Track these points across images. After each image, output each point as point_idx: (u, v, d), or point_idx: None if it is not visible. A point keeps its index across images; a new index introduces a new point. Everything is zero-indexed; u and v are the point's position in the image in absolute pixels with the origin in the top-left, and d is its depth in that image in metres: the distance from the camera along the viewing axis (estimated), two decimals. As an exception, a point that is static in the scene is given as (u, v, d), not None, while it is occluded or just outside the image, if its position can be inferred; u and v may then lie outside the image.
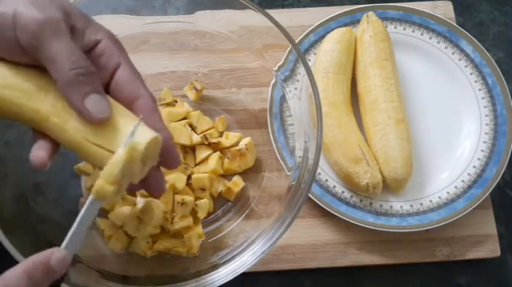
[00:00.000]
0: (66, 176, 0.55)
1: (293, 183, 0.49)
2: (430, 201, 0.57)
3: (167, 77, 0.61)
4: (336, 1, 0.69)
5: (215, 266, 0.47)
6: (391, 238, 0.56)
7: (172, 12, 0.57)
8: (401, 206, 0.56)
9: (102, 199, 0.33)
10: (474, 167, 0.58)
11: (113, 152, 0.33)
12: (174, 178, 0.53)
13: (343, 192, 0.57)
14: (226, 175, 0.57)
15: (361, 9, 0.63)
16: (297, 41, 0.61)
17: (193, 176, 0.54)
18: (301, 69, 0.48)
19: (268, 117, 0.58)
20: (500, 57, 0.67)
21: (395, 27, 0.63)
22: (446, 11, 0.66)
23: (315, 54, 0.62)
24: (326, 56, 0.58)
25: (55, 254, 0.32)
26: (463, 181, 0.58)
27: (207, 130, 0.57)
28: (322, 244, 0.56)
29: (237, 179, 0.56)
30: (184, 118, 0.58)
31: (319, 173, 0.57)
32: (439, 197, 0.57)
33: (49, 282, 0.32)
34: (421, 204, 0.57)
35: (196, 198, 0.54)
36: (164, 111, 0.57)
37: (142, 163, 0.35)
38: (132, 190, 0.41)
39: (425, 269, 0.57)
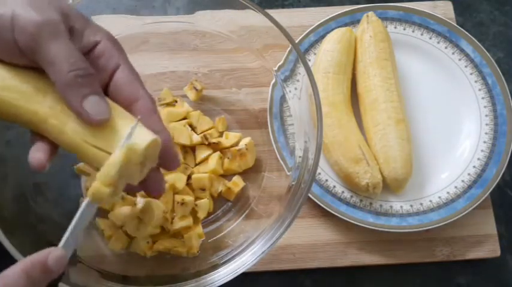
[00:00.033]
0: (66, 176, 0.55)
1: (293, 183, 0.49)
2: (430, 201, 0.57)
3: (167, 77, 0.61)
4: (336, 1, 0.69)
5: (215, 266, 0.47)
6: (391, 238, 0.56)
7: (172, 12, 0.57)
8: (401, 206, 0.56)
9: (98, 201, 0.33)
10: (474, 167, 0.58)
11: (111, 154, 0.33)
12: (174, 178, 0.53)
13: (343, 192, 0.57)
14: (226, 175, 0.57)
15: (361, 9, 0.63)
16: (297, 41, 0.61)
17: (193, 176, 0.54)
18: (301, 69, 0.48)
19: (268, 117, 0.58)
20: (500, 57, 0.67)
21: (395, 27, 0.63)
22: (446, 11, 0.66)
23: (315, 54, 0.62)
24: (326, 56, 0.58)
25: (52, 254, 0.32)
26: (463, 181, 0.58)
27: (207, 130, 0.57)
28: (322, 244, 0.56)
29: (237, 179, 0.56)
30: (184, 118, 0.58)
31: (319, 173, 0.57)
32: (439, 197, 0.57)
33: (47, 281, 0.32)
34: (421, 204, 0.57)
35: (196, 198, 0.54)
36: (164, 111, 0.57)
37: (142, 164, 0.35)
38: (131, 191, 0.41)
39: (425, 269, 0.57)
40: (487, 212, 0.58)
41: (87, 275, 0.47)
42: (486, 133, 0.59)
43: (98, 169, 0.33)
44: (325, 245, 0.56)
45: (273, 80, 0.57)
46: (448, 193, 0.57)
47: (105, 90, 0.36)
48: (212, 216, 0.56)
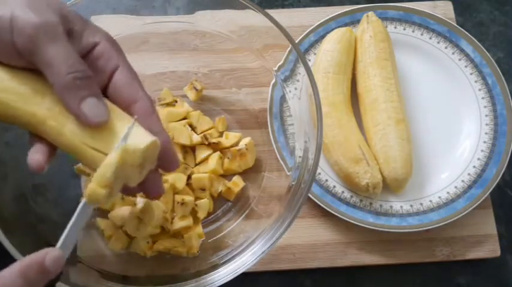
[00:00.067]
0: (66, 176, 0.55)
1: (293, 183, 0.49)
2: (430, 201, 0.57)
3: (167, 77, 0.61)
4: (336, 1, 0.69)
5: (215, 266, 0.47)
6: (391, 238, 0.56)
7: (172, 12, 0.57)
8: (401, 206, 0.56)
9: (94, 202, 0.33)
10: (474, 167, 0.58)
11: None
12: (174, 178, 0.53)
13: (343, 192, 0.57)
14: (226, 175, 0.57)
15: (361, 9, 0.63)
16: (297, 41, 0.61)
17: (193, 176, 0.54)
18: (301, 69, 0.48)
19: (268, 117, 0.58)
20: (500, 57, 0.67)
21: (395, 27, 0.63)
22: (446, 11, 0.66)
23: (315, 54, 0.62)
24: (326, 56, 0.58)
25: (49, 254, 0.32)
26: (463, 181, 0.58)
27: (207, 130, 0.57)
28: (322, 244, 0.56)
29: (237, 179, 0.56)
30: (184, 118, 0.58)
31: (319, 173, 0.57)
32: (439, 197, 0.57)
33: (44, 282, 0.32)
34: (421, 204, 0.57)
35: (196, 198, 0.54)
36: (164, 111, 0.57)
37: (141, 166, 0.34)
38: (130, 193, 0.41)
39: (425, 269, 0.57)
40: (487, 212, 0.58)
41: (87, 275, 0.47)
42: (486, 133, 0.59)
43: (96, 171, 0.33)
44: (325, 245, 0.56)
45: (273, 80, 0.57)
46: (448, 193, 0.57)
47: (104, 92, 0.36)
48: (212, 216, 0.56)
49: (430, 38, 0.63)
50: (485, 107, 0.60)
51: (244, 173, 0.57)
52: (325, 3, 0.68)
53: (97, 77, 0.35)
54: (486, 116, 0.60)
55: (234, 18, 0.53)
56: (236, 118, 0.60)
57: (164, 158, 0.37)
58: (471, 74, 0.61)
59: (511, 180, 0.62)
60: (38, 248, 0.32)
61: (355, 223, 0.55)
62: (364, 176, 0.54)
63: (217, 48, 0.59)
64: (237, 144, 0.57)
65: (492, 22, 0.69)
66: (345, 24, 0.63)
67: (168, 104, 0.58)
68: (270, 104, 0.58)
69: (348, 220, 0.55)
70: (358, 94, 0.60)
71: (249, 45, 0.55)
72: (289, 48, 0.50)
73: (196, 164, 0.56)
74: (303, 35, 0.62)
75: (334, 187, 0.57)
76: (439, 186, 0.58)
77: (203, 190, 0.54)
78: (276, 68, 0.54)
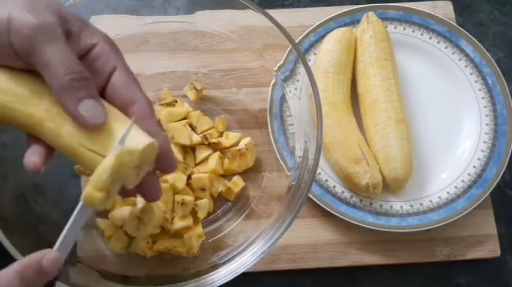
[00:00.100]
0: (66, 176, 0.55)
1: (293, 183, 0.49)
2: (430, 201, 0.57)
3: (167, 77, 0.61)
4: (336, 1, 0.69)
5: (215, 266, 0.47)
6: (391, 238, 0.56)
7: (172, 12, 0.57)
8: (401, 206, 0.56)
9: (91, 205, 0.33)
10: (474, 167, 0.58)
11: None
12: (174, 178, 0.53)
13: (343, 192, 0.57)
14: (226, 175, 0.57)
15: (361, 9, 0.63)
16: (297, 41, 0.61)
17: (193, 176, 0.54)
18: (301, 69, 0.48)
19: (268, 117, 0.58)
20: (500, 57, 0.67)
21: (395, 27, 0.63)
22: (446, 11, 0.66)
23: (315, 54, 0.62)
24: (326, 56, 0.58)
25: (47, 256, 0.32)
26: (463, 181, 0.58)
27: (207, 130, 0.57)
28: (322, 244, 0.56)
29: (237, 179, 0.56)
30: (184, 118, 0.58)
31: (319, 173, 0.57)
32: (439, 197, 0.57)
33: (42, 283, 0.32)
34: (421, 204, 0.57)
35: (196, 198, 0.54)
36: (164, 111, 0.57)
37: (138, 168, 0.34)
38: (127, 195, 0.41)
39: (425, 269, 0.57)
40: (487, 212, 0.58)
41: (87, 275, 0.47)
42: (486, 133, 0.59)
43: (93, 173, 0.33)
44: (325, 245, 0.56)
45: (273, 80, 0.57)
46: (448, 193, 0.57)
47: (102, 93, 0.36)
48: (212, 216, 0.56)
49: (430, 38, 0.63)
50: (485, 107, 0.60)
51: (244, 173, 0.57)
52: (325, 3, 0.68)
53: (95, 79, 0.35)
54: (486, 116, 0.60)
55: (234, 18, 0.53)
56: (236, 118, 0.60)
57: (162, 159, 0.37)
58: (471, 74, 0.61)
59: (511, 180, 0.62)
60: (37, 248, 0.32)
61: (355, 223, 0.55)
62: (364, 176, 0.54)
63: (217, 48, 0.59)
64: (237, 144, 0.57)
65: (492, 22, 0.69)
66: (345, 24, 0.63)
67: (168, 104, 0.58)
68: (270, 104, 0.58)
69: (348, 220, 0.55)
70: (358, 94, 0.60)
71: (249, 45, 0.55)
72: (289, 48, 0.50)
73: (196, 164, 0.56)
74: (303, 35, 0.62)
75: (334, 187, 0.57)
76: (439, 186, 0.58)
77: (203, 190, 0.54)
78: (276, 68, 0.54)
